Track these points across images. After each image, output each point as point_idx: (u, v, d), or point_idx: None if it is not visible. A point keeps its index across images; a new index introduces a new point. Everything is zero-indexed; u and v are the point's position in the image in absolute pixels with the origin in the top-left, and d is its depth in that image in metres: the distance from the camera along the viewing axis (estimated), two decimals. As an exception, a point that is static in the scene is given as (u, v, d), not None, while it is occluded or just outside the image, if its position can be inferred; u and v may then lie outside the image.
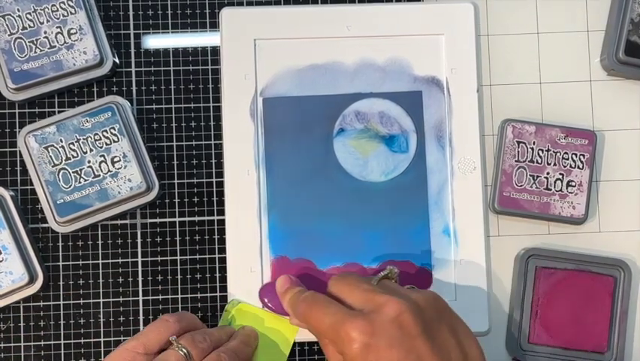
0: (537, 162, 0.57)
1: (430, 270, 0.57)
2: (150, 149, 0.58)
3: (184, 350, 0.49)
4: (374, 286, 0.49)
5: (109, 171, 0.55)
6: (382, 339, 0.45)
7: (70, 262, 0.57)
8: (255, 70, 0.58)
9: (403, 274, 0.57)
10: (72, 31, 0.56)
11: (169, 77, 0.59)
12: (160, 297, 0.57)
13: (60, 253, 0.57)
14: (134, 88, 0.58)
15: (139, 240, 0.57)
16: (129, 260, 0.57)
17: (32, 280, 0.55)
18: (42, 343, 0.56)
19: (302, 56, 0.58)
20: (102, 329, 0.57)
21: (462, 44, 0.58)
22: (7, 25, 0.56)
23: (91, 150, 0.55)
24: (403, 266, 0.57)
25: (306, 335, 0.56)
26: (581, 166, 0.57)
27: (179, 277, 0.57)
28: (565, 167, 0.57)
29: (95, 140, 0.55)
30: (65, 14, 0.56)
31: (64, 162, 0.55)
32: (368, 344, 0.45)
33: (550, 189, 0.57)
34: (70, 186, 0.55)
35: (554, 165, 0.57)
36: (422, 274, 0.57)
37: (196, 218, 0.58)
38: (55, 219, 0.55)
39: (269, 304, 0.55)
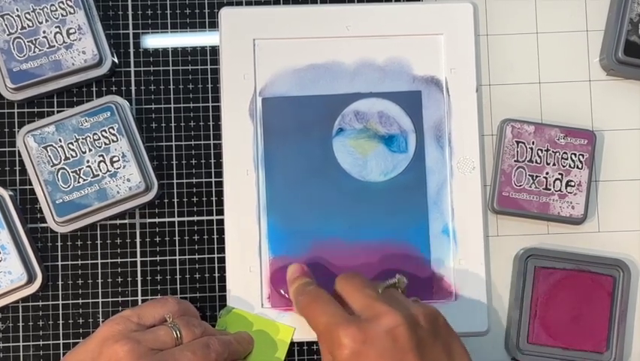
0: (536, 162, 0.57)
1: (429, 270, 0.57)
2: (149, 149, 0.58)
3: (177, 329, 0.50)
4: (377, 294, 0.49)
5: (108, 170, 0.55)
6: (373, 349, 0.46)
7: (69, 262, 0.57)
8: (254, 70, 0.58)
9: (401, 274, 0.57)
10: (71, 31, 0.56)
11: (168, 77, 0.58)
12: (159, 297, 0.57)
13: (59, 253, 0.57)
14: (133, 88, 0.58)
15: (138, 240, 0.57)
16: (128, 260, 0.57)
17: (31, 279, 0.55)
18: (41, 343, 0.56)
19: (301, 56, 0.58)
20: (101, 329, 0.57)
21: (461, 44, 0.58)
22: (6, 24, 0.56)
23: (90, 150, 0.55)
24: (402, 267, 0.57)
25: (305, 335, 0.56)
26: (580, 166, 0.57)
27: (178, 277, 0.57)
28: (564, 167, 0.57)
29: (94, 140, 0.55)
30: (64, 14, 0.56)
31: (63, 161, 0.55)
32: (358, 352, 0.46)
33: (550, 189, 0.57)
34: (69, 186, 0.55)
35: (553, 165, 0.57)
36: (421, 275, 0.57)
37: (195, 218, 0.58)
38: (54, 219, 0.55)
39: (281, 291, 0.56)
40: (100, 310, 0.57)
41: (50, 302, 0.57)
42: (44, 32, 0.56)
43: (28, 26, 0.56)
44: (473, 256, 0.57)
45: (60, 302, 0.57)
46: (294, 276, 0.54)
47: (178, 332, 0.50)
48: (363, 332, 0.46)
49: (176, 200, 0.58)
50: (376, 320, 0.47)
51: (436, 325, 0.48)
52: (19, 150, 0.56)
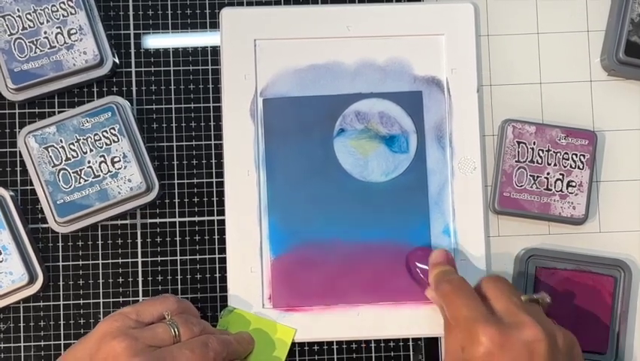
0: (537, 163, 0.57)
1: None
2: (150, 149, 0.58)
3: (175, 327, 0.50)
4: (522, 303, 0.49)
5: (109, 171, 0.55)
6: (507, 356, 0.45)
7: (70, 263, 0.57)
8: (255, 70, 0.58)
9: (402, 274, 0.57)
10: (72, 32, 0.56)
11: (169, 77, 0.58)
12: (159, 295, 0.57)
13: (60, 254, 0.57)
14: (134, 88, 0.58)
15: (139, 240, 0.57)
16: (129, 260, 0.57)
17: (32, 280, 0.55)
18: (42, 343, 0.56)
19: (302, 56, 0.58)
20: (102, 330, 0.57)
21: (462, 44, 0.58)
22: (7, 25, 0.56)
23: (91, 150, 0.55)
24: (403, 267, 0.57)
25: (305, 336, 0.56)
26: (581, 166, 0.57)
27: (179, 277, 0.57)
28: (565, 167, 0.57)
29: (95, 140, 0.55)
30: (65, 14, 0.56)
31: (64, 162, 0.55)
32: (492, 354, 0.46)
33: (551, 190, 0.57)
34: (70, 187, 0.55)
35: (554, 165, 0.57)
36: (422, 275, 0.57)
37: (196, 218, 0.58)
38: (55, 220, 0.55)
39: (416, 269, 0.56)
40: (101, 310, 0.57)
41: (51, 303, 0.57)
42: (45, 33, 0.56)
43: (30, 27, 0.56)
44: (474, 257, 0.57)
45: (61, 303, 0.57)
46: (437, 261, 0.54)
47: (176, 330, 0.50)
48: (503, 336, 0.46)
49: (177, 200, 0.58)
50: (518, 328, 0.46)
51: (572, 352, 0.48)
52: (20, 151, 0.56)
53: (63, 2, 0.56)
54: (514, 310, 0.48)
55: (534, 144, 0.57)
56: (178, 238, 0.58)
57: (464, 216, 0.57)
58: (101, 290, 0.57)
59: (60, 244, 0.57)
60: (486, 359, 0.46)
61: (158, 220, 0.58)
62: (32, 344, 0.56)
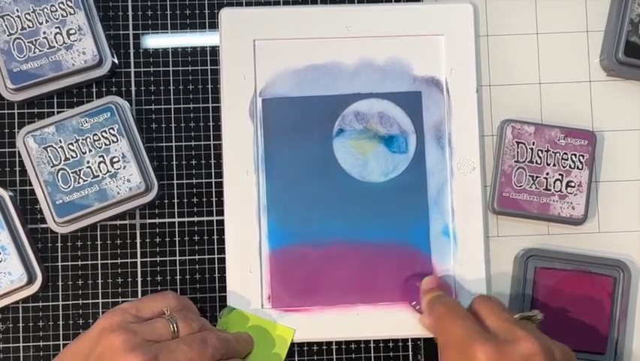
0: (536, 163, 0.57)
1: (430, 271, 0.57)
2: (149, 149, 0.58)
3: (174, 322, 0.50)
4: (515, 320, 0.49)
5: (108, 171, 0.55)
6: None
7: (70, 263, 0.57)
8: (254, 70, 0.58)
9: (402, 274, 0.57)
10: (71, 32, 0.56)
11: (168, 78, 0.58)
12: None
13: (59, 254, 0.57)
14: (133, 88, 0.58)
15: (138, 240, 0.57)
16: (128, 261, 0.57)
17: (31, 280, 0.55)
18: (41, 343, 0.56)
19: (301, 57, 0.58)
20: (101, 330, 0.57)
21: (461, 45, 0.58)
22: (6, 25, 0.56)
23: (90, 151, 0.55)
24: (402, 267, 0.57)
25: (305, 336, 0.56)
26: (580, 167, 0.57)
27: (178, 277, 0.57)
28: (564, 167, 0.57)
29: (94, 140, 0.55)
30: (64, 15, 0.56)
31: (63, 162, 0.55)
32: None
33: (550, 190, 0.57)
34: (69, 187, 0.55)
35: (554, 165, 0.57)
36: (421, 275, 0.57)
37: (195, 218, 0.58)
38: (54, 220, 0.55)
39: (412, 303, 0.56)
40: (100, 310, 0.57)
41: (50, 303, 0.57)
42: (44, 33, 0.56)
43: (29, 27, 0.56)
44: (473, 257, 0.57)
45: (60, 303, 0.57)
46: (429, 287, 0.55)
47: (175, 325, 0.50)
48: (500, 353, 0.46)
49: (176, 200, 0.58)
50: (514, 342, 0.46)
51: None
52: (19, 151, 0.56)
53: (62, 2, 0.56)
54: (508, 325, 0.48)
55: (533, 144, 0.57)
56: (177, 238, 0.58)
57: (463, 216, 0.57)
58: (100, 290, 0.57)
59: (59, 244, 0.57)
60: None
61: (157, 220, 0.58)
62: (31, 344, 0.56)
